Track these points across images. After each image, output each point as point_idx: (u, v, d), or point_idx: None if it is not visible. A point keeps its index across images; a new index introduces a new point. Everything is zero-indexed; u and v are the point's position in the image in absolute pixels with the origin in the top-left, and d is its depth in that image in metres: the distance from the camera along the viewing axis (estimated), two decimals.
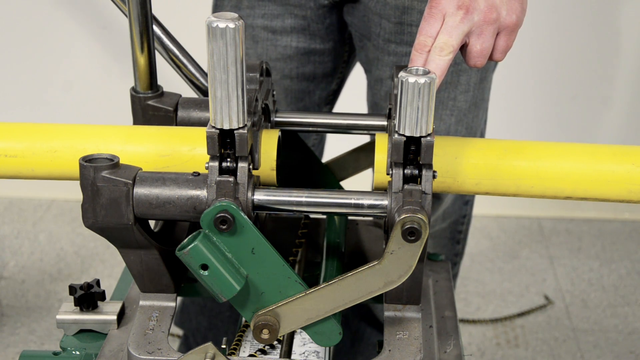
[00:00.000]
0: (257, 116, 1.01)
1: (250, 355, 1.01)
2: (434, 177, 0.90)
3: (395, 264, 0.88)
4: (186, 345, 1.82)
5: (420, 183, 0.90)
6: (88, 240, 2.56)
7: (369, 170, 1.26)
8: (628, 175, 0.99)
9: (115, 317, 1.02)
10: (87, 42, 2.57)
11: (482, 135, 1.58)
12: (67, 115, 2.66)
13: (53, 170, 1.03)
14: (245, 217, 0.87)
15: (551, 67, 2.57)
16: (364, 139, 1.24)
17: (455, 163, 1.00)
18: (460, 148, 1.01)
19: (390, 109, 1.07)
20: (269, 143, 1.03)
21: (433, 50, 0.98)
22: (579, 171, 1.00)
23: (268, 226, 1.18)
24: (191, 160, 1.02)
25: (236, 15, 0.85)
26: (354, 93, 1.76)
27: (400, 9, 1.34)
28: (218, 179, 0.89)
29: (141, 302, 1.00)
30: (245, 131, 0.89)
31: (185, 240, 0.87)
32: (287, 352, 0.99)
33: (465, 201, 1.69)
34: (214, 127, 0.89)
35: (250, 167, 0.92)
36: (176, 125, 1.10)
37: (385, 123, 1.12)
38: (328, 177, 1.22)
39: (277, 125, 1.13)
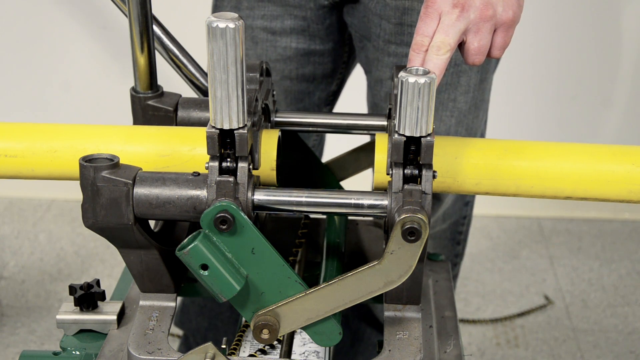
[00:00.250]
0: (257, 116, 1.01)
1: (250, 355, 1.01)
2: (434, 177, 0.90)
3: (395, 264, 0.88)
4: (186, 345, 1.82)
5: (420, 183, 0.90)
6: (88, 240, 2.56)
7: (369, 170, 1.26)
8: (628, 175, 0.99)
9: (115, 317, 1.02)
10: (87, 42, 2.56)
11: (482, 136, 1.58)
12: (67, 115, 2.66)
13: (53, 170, 1.03)
14: (245, 217, 0.87)
15: (551, 67, 2.57)
16: (364, 139, 1.24)
17: (455, 163, 1.00)
18: (460, 148, 1.01)
19: (390, 109, 1.07)
20: (269, 143, 1.03)
21: (430, 50, 0.98)
22: (579, 171, 1.00)
23: (268, 226, 1.18)
24: (191, 160, 1.02)
25: (236, 15, 0.85)
26: (354, 94, 1.76)
27: (400, 9, 1.34)
28: (218, 179, 0.89)
29: (141, 302, 1.00)
30: (245, 131, 0.89)
31: (185, 240, 0.87)
32: (287, 352, 0.99)
33: (465, 202, 1.69)
34: (214, 127, 0.89)
35: (250, 167, 0.92)
36: (176, 125, 1.10)
37: (385, 123, 1.12)
38: (328, 177, 1.22)
39: (277, 125, 1.13)
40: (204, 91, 1.20)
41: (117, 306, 1.03)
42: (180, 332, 1.93)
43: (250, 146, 0.92)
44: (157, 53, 1.13)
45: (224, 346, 0.95)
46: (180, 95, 1.12)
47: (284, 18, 1.43)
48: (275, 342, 1.03)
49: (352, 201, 0.93)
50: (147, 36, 1.08)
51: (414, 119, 0.87)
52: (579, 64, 2.56)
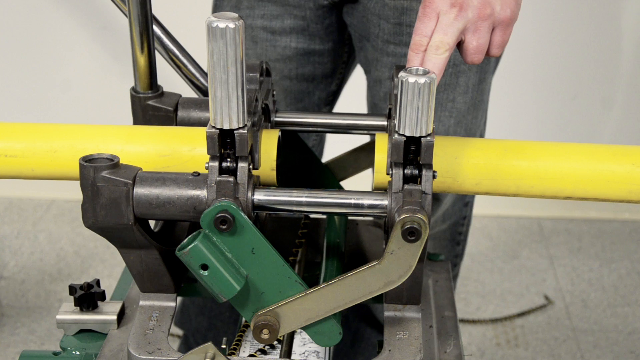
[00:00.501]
0: (257, 116, 1.01)
1: (250, 355, 1.01)
2: (434, 177, 0.90)
3: (395, 264, 0.88)
4: (186, 345, 1.82)
5: (420, 183, 0.90)
6: (88, 240, 2.56)
7: (369, 170, 1.26)
8: (628, 175, 0.99)
9: (115, 317, 1.02)
10: (87, 42, 2.56)
11: (481, 137, 1.58)
12: (67, 115, 2.66)
13: (53, 170, 1.03)
14: (245, 217, 0.87)
15: (551, 67, 2.57)
16: (364, 139, 1.24)
17: (455, 163, 1.00)
18: (460, 148, 1.01)
19: (390, 109, 1.07)
20: (269, 143, 1.03)
21: (429, 50, 0.98)
22: (579, 171, 1.00)
23: (268, 226, 1.18)
24: (191, 160, 1.02)
25: (236, 15, 0.85)
26: (354, 94, 1.76)
27: (399, 9, 1.34)
28: (218, 179, 0.89)
29: (141, 302, 1.00)
30: (245, 131, 0.89)
31: (185, 240, 0.87)
32: (287, 352, 0.99)
33: (465, 202, 1.69)
34: (214, 127, 0.89)
35: (250, 167, 0.92)
36: (176, 125, 1.10)
37: (385, 123, 1.12)
38: (328, 177, 1.22)
39: (277, 125, 1.13)
40: (204, 91, 1.20)
41: (117, 306, 1.03)
42: (180, 332, 1.93)
43: (250, 146, 0.92)
44: (157, 53, 1.13)
45: (224, 346, 0.96)
46: (180, 95, 1.12)
47: (283, 18, 1.43)
48: (275, 342, 1.03)
49: (352, 201, 0.93)
50: (147, 36, 1.08)
51: (414, 119, 0.87)
52: (579, 64, 2.56)
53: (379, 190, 1.02)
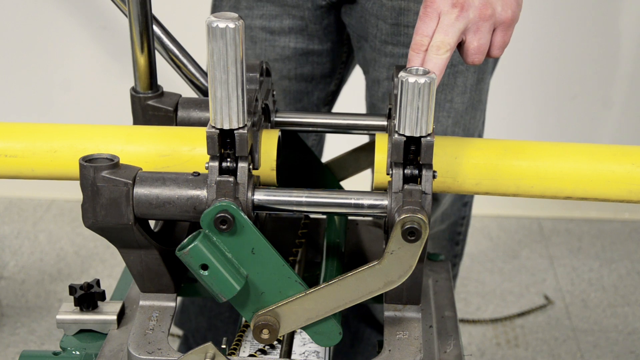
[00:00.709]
0: (257, 116, 1.01)
1: (250, 355, 1.01)
2: (434, 177, 0.90)
3: (395, 264, 0.88)
4: (186, 345, 1.82)
5: (420, 183, 0.90)
6: (88, 240, 2.56)
7: (369, 170, 1.26)
8: (628, 175, 0.99)
9: (115, 317, 1.02)
10: (87, 41, 2.56)
11: (480, 137, 1.58)
12: (67, 115, 2.66)
13: (53, 170, 1.03)
14: (245, 217, 0.87)
15: (551, 67, 2.57)
16: (364, 139, 1.24)
17: (455, 163, 1.00)
18: (460, 148, 1.01)
19: (390, 109, 1.07)
20: (269, 143, 1.03)
21: (430, 50, 0.98)
22: (579, 171, 1.00)
23: (268, 226, 1.18)
24: (191, 160, 1.02)
25: (236, 15, 0.85)
26: (354, 94, 1.76)
27: (396, 10, 1.34)
28: (218, 179, 0.89)
29: (141, 302, 1.00)
30: (245, 131, 0.89)
31: (185, 240, 0.87)
32: (287, 352, 0.99)
33: (464, 202, 1.69)
34: (214, 127, 0.89)
35: (250, 167, 0.92)
36: (176, 125, 1.10)
37: (385, 123, 1.12)
38: (328, 177, 1.22)
39: (277, 125, 1.13)
40: (204, 91, 1.20)
41: (117, 306, 1.03)
42: (180, 332, 1.93)
43: (250, 146, 0.92)
44: (157, 53, 1.13)
45: (224, 346, 0.96)
46: (180, 95, 1.12)
47: (282, 18, 1.43)
48: (275, 342, 1.03)
49: (352, 201, 0.93)
50: (147, 36, 1.08)
51: (414, 119, 0.87)
52: (578, 64, 2.56)
53: (379, 190, 1.02)
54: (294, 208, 0.93)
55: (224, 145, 0.91)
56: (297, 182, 1.21)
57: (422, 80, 0.85)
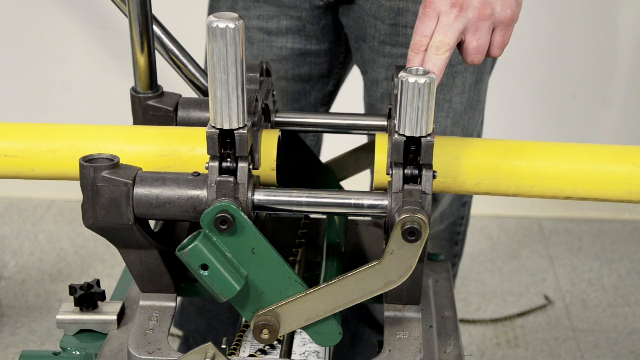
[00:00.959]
0: (257, 116, 1.01)
1: (250, 355, 1.01)
2: (434, 177, 0.90)
3: (395, 264, 0.88)
4: (186, 345, 1.82)
5: (420, 183, 0.90)
6: (88, 240, 2.56)
7: (369, 170, 1.26)
8: (628, 175, 0.99)
9: (115, 317, 1.02)
10: (87, 41, 2.57)
11: (478, 137, 1.58)
12: (67, 115, 2.66)
13: (53, 170, 1.03)
14: (245, 217, 0.87)
15: (551, 67, 2.57)
16: (363, 138, 1.24)
17: (455, 163, 1.00)
18: (460, 148, 1.01)
19: (390, 109, 1.07)
20: (269, 143, 1.03)
21: (429, 50, 0.98)
22: (579, 171, 1.00)
23: (268, 226, 1.18)
24: (191, 160, 1.02)
25: (236, 15, 0.85)
26: (352, 94, 1.76)
27: (395, 10, 1.34)
28: (218, 179, 0.89)
29: (141, 302, 1.00)
30: (245, 131, 0.89)
31: (185, 240, 0.87)
32: (287, 352, 0.99)
33: (462, 202, 1.69)
34: (214, 127, 0.89)
35: (250, 167, 0.92)
36: (176, 125, 1.10)
37: (385, 123, 1.12)
38: (328, 177, 1.22)
39: (277, 125, 1.13)
40: (204, 91, 1.20)
41: (117, 306, 1.03)
42: (180, 332, 1.93)
43: (250, 146, 0.92)
44: (157, 53, 1.13)
45: (224, 346, 0.95)
46: (180, 95, 1.12)
47: (279, 18, 1.43)
48: (275, 342, 1.03)
49: (352, 201, 0.93)
50: (147, 36, 1.08)
51: (414, 119, 0.87)
52: (578, 64, 2.56)
53: (379, 190, 1.02)
54: (294, 208, 0.93)
55: (224, 145, 0.91)
56: (297, 182, 1.21)
57: (422, 80, 0.85)
